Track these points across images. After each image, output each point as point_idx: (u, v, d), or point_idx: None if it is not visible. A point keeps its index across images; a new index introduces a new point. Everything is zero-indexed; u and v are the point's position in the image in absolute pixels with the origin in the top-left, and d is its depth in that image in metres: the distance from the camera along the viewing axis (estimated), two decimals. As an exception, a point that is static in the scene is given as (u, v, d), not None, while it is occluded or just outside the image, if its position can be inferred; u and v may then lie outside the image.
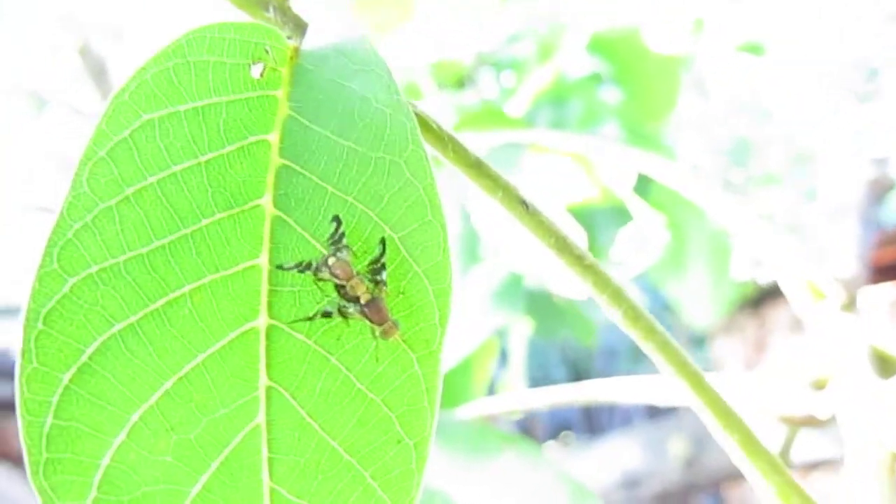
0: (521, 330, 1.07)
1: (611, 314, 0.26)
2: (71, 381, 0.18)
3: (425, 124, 0.24)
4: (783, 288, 0.47)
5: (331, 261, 0.20)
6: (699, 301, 1.12)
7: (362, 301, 0.20)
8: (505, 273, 0.58)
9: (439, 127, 0.25)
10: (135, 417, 0.19)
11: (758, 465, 0.26)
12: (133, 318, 0.19)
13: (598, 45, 1.18)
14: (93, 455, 0.18)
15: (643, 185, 0.96)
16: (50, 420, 0.18)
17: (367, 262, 0.21)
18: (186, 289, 0.20)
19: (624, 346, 2.13)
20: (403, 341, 0.21)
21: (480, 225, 0.60)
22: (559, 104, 1.14)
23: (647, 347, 0.26)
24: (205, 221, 0.21)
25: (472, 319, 0.57)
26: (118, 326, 0.19)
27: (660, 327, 0.26)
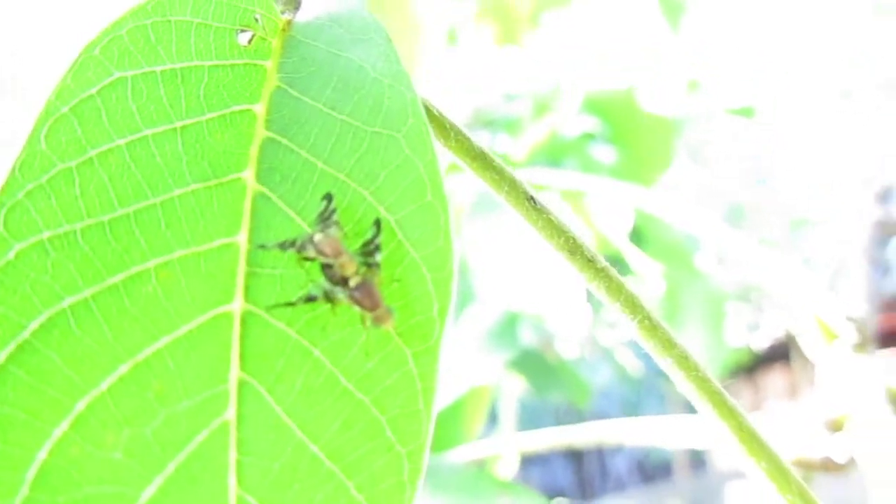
0: (513, 389, 1.04)
1: (625, 325, 0.24)
2: (8, 359, 0.16)
3: (425, 108, 0.22)
4: (793, 330, 0.44)
5: (317, 237, 0.18)
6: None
7: (352, 284, 0.18)
8: (500, 313, 0.56)
9: (440, 112, 0.23)
10: (80, 406, 0.16)
11: (785, 493, 0.24)
12: (87, 293, 0.17)
13: (593, 105, 1.18)
14: (27, 447, 0.15)
15: (636, 241, 0.94)
16: (-21, 404, 0.15)
17: (359, 245, 0.19)
18: (151, 264, 0.17)
19: (617, 412, 2.08)
20: (398, 335, 0.18)
21: (474, 260, 0.58)
22: (553, 162, 1.14)
23: (664, 363, 0.24)
24: (177, 191, 0.18)
25: (466, 360, 0.54)
26: (68, 301, 0.16)
27: (680, 340, 0.24)
